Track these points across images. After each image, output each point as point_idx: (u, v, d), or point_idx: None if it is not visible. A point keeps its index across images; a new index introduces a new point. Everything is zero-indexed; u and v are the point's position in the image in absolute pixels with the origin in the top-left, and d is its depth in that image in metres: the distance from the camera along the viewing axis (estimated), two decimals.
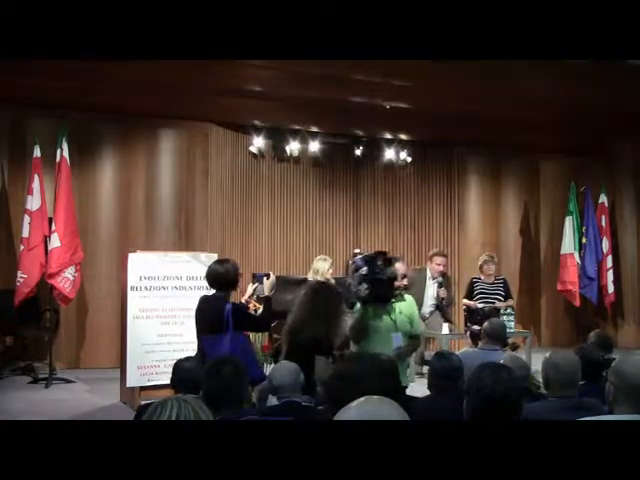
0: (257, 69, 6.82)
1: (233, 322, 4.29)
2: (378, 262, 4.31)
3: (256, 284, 4.90)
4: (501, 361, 3.71)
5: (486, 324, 5.23)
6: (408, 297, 4.63)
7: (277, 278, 4.81)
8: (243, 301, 4.90)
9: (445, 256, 8.27)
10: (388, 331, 4.30)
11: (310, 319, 4.29)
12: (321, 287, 4.65)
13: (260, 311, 5.42)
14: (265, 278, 4.75)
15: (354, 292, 4.32)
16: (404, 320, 4.42)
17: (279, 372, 3.55)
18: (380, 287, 4.29)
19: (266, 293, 4.63)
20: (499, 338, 5.07)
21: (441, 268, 7.86)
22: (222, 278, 4.46)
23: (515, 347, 7.57)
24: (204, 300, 4.59)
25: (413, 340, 4.51)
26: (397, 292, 4.49)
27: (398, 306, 4.45)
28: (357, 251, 4.85)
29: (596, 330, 4.69)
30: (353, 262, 4.44)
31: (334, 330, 4.30)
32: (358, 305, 4.43)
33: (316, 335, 4.22)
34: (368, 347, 4.26)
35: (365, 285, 4.26)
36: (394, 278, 4.38)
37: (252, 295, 4.93)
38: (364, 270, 4.29)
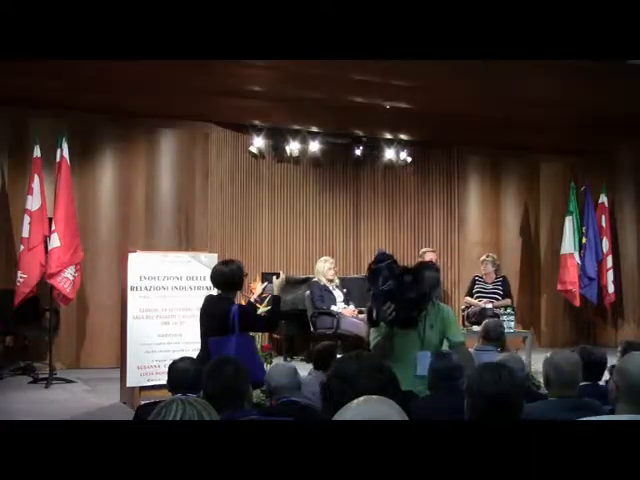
0: (257, 69, 6.82)
1: (239, 324, 4.30)
2: (406, 279, 3.76)
3: (265, 283, 4.92)
4: (496, 360, 3.71)
5: (482, 325, 5.27)
6: (443, 306, 4.17)
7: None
8: (252, 300, 4.91)
9: (434, 252, 8.48)
10: (416, 350, 3.89)
11: None
12: None
13: (260, 310, 5.44)
14: (275, 277, 4.76)
15: (379, 312, 3.78)
16: (435, 335, 3.99)
17: (276, 373, 3.56)
18: (407, 309, 3.75)
19: (275, 292, 4.64)
20: (494, 339, 5.08)
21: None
22: (227, 279, 4.48)
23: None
24: (209, 300, 4.59)
25: (459, 350, 3.91)
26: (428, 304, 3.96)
27: (429, 319, 3.98)
28: (382, 250, 4.16)
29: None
30: (376, 268, 3.88)
31: None
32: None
33: None
34: (395, 368, 3.85)
35: (391, 306, 3.72)
36: (423, 295, 3.81)
37: (261, 294, 4.95)
38: (388, 286, 3.76)
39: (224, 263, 4.62)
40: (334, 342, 5.39)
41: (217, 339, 4.29)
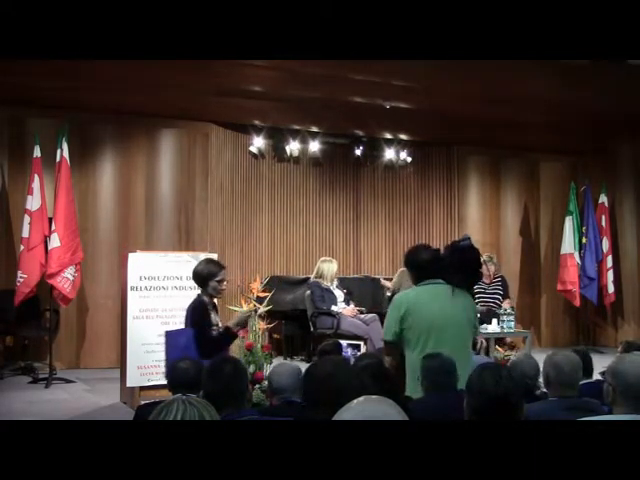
0: (257, 69, 6.82)
1: (191, 318, 4.31)
2: None
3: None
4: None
5: None
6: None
7: (277, 278, 4.81)
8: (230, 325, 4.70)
9: None
10: None
11: None
12: None
13: (261, 310, 5.42)
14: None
15: None
16: None
17: (278, 374, 3.55)
18: None
19: (229, 324, 4.44)
20: None
21: None
22: (194, 276, 4.50)
23: (512, 347, 7.56)
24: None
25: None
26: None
27: None
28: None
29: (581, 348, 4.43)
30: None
31: None
32: None
33: None
34: None
35: None
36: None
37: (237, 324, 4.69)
38: None
39: (202, 260, 4.63)
40: (337, 341, 5.34)
41: (171, 331, 4.36)
